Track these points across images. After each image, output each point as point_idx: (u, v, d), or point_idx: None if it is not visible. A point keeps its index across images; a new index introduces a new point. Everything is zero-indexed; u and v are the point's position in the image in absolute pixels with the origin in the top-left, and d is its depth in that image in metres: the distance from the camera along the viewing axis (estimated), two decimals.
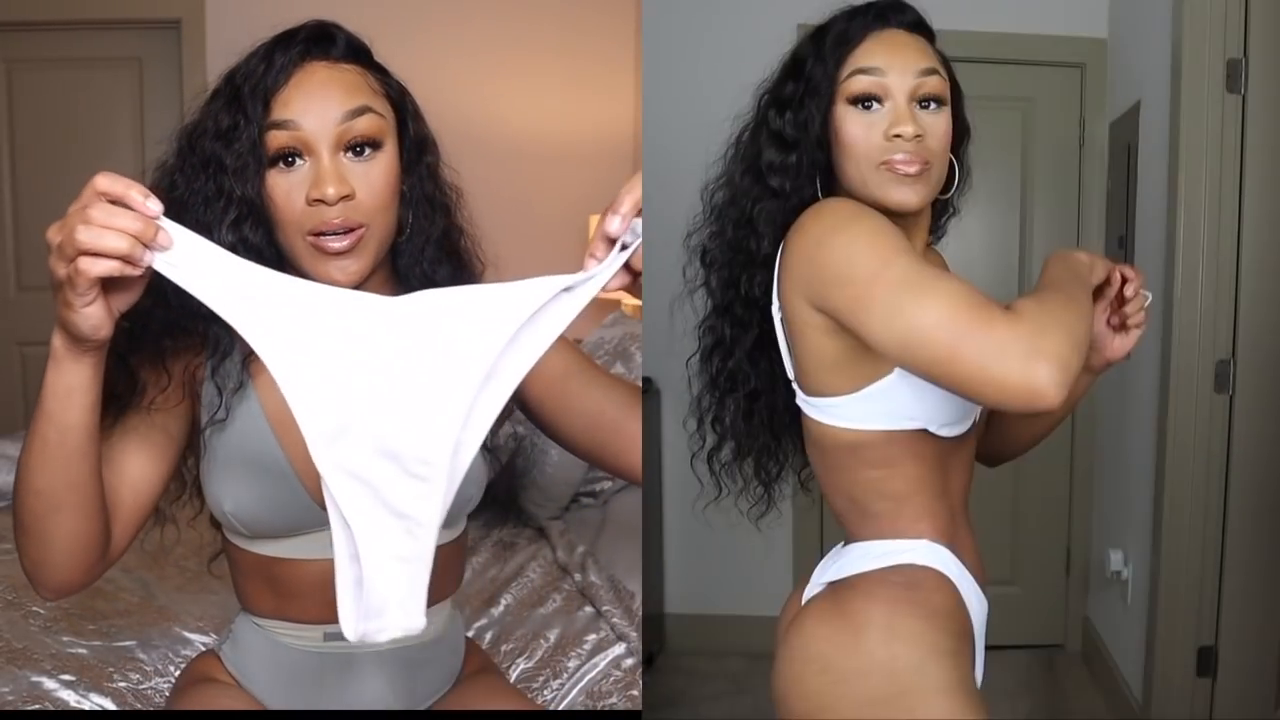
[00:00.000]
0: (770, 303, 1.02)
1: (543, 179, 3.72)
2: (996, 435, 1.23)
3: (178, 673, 1.49)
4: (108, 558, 1.02)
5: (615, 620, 1.76)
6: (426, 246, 1.07)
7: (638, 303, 3.16)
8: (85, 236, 0.76)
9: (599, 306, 3.73)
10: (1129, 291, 1.10)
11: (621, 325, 2.90)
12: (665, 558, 3.11)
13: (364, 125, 1.00)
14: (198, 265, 0.82)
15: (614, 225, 0.83)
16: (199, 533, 1.10)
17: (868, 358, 0.94)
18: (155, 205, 0.80)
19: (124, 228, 0.78)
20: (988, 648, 1.08)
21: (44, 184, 3.65)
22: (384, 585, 0.83)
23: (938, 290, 0.85)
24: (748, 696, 2.80)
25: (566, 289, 0.85)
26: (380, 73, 1.07)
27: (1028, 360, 0.79)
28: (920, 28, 1.04)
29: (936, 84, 1.01)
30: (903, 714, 0.93)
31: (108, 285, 0.81)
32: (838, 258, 0.90)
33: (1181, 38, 2.18)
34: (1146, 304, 1.11)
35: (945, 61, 1.05)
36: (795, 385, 1.03)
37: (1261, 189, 2.17)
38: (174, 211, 0.98)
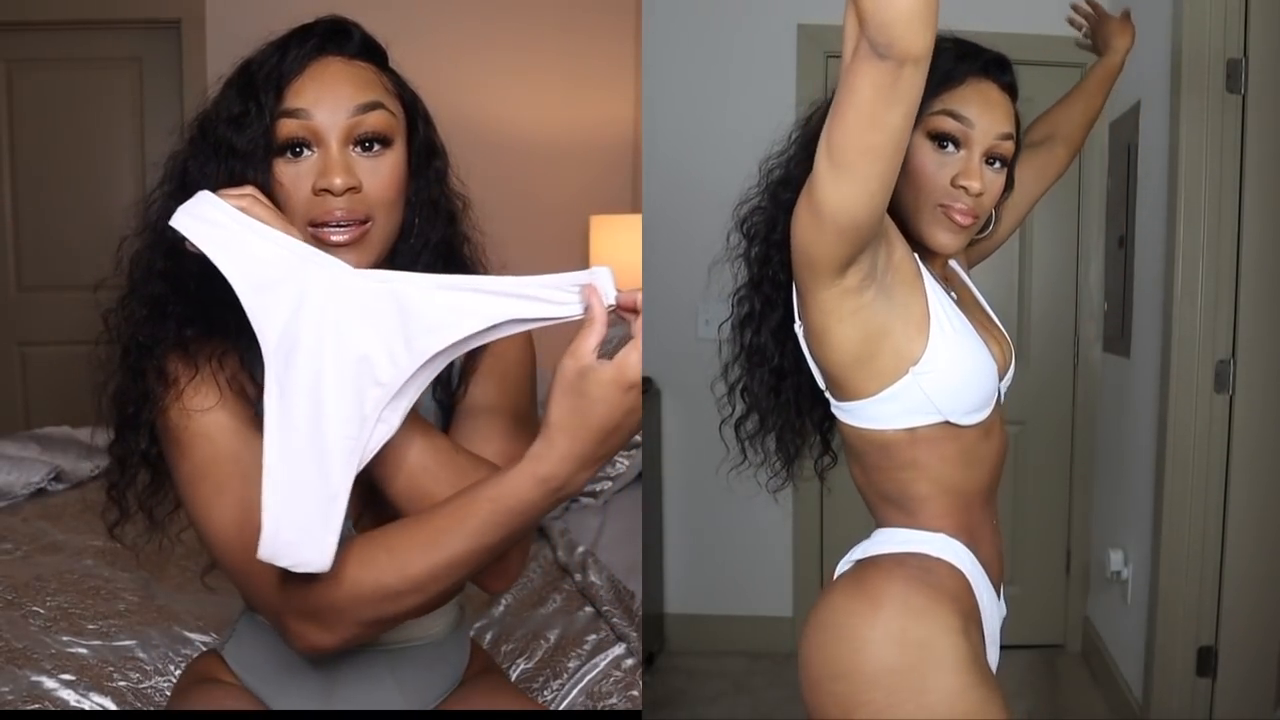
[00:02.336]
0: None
1: (543, 179, 3.72)
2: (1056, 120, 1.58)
3: (178, 673, 1.49)
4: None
5: (615, 620, 1.76)
6: (424, 251, 1.06)
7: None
8: None
9: None
10: None
11: (621, 325, 2.89)
12: (665, 558, 3.11)
13: (375, 120, 1.00)
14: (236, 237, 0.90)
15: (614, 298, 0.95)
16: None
17: (884, 351, 1.00)
18: None
19: None
20: None
21: (44, 184, 3.65)
22: (300, 520, 0.90)
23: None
24: (748, 696, 2.80)
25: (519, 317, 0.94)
26: (393, 75, 1.07)
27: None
28: (1013, 90, 1.10)
29: (1009, 148, 1.08)
30: (914, 683, 0.99)
31: None
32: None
33: (1181, 38, 2.18)
34: None
35: (1019, 123, 1.10)
36: (828, 395, 1.08)
37: (1261, 189, 2.17)
38: (183, 199, 0.98)
